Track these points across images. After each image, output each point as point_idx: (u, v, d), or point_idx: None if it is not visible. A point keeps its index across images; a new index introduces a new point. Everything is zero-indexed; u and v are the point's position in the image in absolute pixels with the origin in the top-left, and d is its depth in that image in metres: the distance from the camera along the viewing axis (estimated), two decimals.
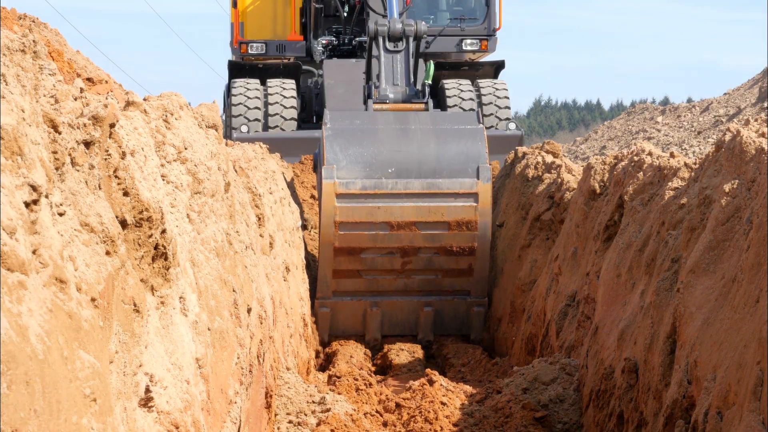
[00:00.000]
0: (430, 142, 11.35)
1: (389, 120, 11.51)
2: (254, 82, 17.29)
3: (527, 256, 10.82)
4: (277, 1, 18.37)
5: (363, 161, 11.23)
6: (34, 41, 2.82)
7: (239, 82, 17.34)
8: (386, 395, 8.07)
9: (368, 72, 12.97)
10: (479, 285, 11.66)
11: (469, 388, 8.19)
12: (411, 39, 12.31)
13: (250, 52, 18.24)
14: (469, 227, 11.35)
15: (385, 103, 11.92)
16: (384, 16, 13.63)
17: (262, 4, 18.35)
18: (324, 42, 17.97)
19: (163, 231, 3.63)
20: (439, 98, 17.89)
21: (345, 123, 11.42)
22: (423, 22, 12.58)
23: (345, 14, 17.89)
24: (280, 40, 18.28)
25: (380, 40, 12.31)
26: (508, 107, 17.67)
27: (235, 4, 18.45)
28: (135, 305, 3.29)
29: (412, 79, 12.22)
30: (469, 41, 18.31)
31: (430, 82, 12.22)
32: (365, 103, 12.15)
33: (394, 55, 12.26)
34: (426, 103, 11.88)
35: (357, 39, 17.64)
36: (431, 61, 12.67)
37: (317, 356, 11.22)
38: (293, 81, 17.48)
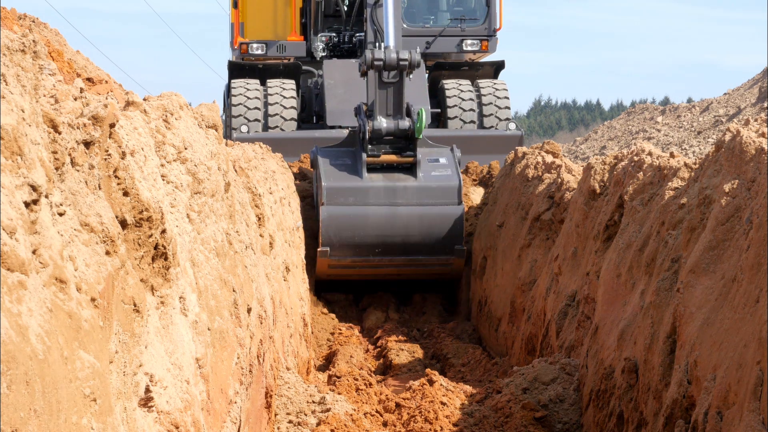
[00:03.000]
0: (415, 227, 13.41)
1: (380, 196, 13.33)
2: (254, 83, 17.28)
3: (527, 256, 10.82)
4: (278, 1, 18.34)
5: (354, 244, 13.32)
6: (34, 41, 2.82)
7: (239, 82, 17.32)
8: (386, 395, 8.07)
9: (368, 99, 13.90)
10: (455, 273, 14.05)
11: (469, 388, 8.19)
12: (405, 71, 13.25)
13: (250, 52, 18.22)
14: (445, 273, 14.00)
15: (378, 151, 13.47)
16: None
17: (262, 4, 18.33)
18: (324, 39, 17.97)
19: (163, 231, 3.63)
20: (439, 99, 17.89)
21: (340, 199, 13.33)
22: (417, 52, 13.25)
23: (345, 9, 17.89)
24: (280, 40, 18.25)
25: (375, 72, 13.30)
26: (508, 107, 17.66)
27: (235, 5, 18.43)
28: (135, 305, 3.29)
29: (404, 107, 13.48)
30: (469, 41, 18.30)
31: (420, 137, 13.50)
32: (361, 145, 13.53)
33: (388, 87, 13.36)
34: (414, 156, 13.41)
35: (357, 36, 17.65)
36: (423, 111, 13.45)
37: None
38: (293, 81, 17.47)
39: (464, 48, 18.31)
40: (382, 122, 13.29)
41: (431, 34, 17.97)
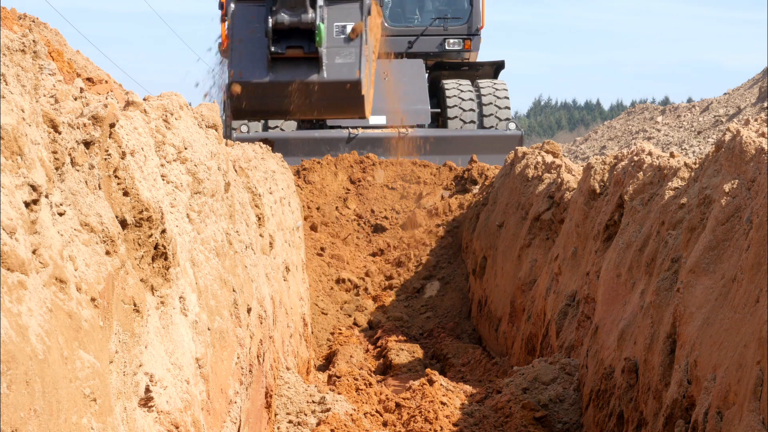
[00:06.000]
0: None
1: (284, 90, 13.62)
2: None
3: (527, 256, 10.81)
4: None
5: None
6: (34, 41, 2.82)
7: None
8: (386, 395, 8.07)
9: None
10: None
11: (469, 388, 8.19)
12: None
13: None
14: None
15: (283, 47, 13.39)
16: None
17: None
18: None
19: (163, 231, 3.63)
20: (439, 99, 17.90)
21: (244, 94, 13.63)
22: None
23: None
24: None
25: None
26: (507, 107, 17.68)
27: (223, 19, 18.34)
28: (135, 305, 3.29)
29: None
30: (452, 40, 18.35)
31: (321, 47, 13.47)
32: (267, 44, 13.37)
33: None
34: (317, 51, 13.45)
35: None
36: (322, 26, 13.31)
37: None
38: None
39: (446, 47, 18.37)
40: (285, 17, 13.30)
41: (414, 34, 18.05)
